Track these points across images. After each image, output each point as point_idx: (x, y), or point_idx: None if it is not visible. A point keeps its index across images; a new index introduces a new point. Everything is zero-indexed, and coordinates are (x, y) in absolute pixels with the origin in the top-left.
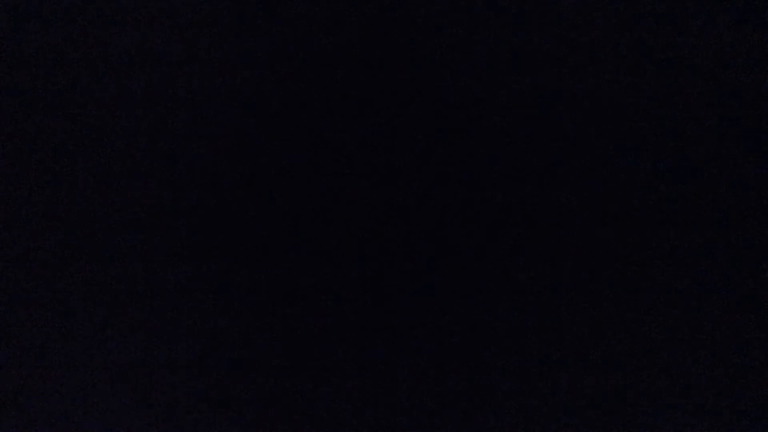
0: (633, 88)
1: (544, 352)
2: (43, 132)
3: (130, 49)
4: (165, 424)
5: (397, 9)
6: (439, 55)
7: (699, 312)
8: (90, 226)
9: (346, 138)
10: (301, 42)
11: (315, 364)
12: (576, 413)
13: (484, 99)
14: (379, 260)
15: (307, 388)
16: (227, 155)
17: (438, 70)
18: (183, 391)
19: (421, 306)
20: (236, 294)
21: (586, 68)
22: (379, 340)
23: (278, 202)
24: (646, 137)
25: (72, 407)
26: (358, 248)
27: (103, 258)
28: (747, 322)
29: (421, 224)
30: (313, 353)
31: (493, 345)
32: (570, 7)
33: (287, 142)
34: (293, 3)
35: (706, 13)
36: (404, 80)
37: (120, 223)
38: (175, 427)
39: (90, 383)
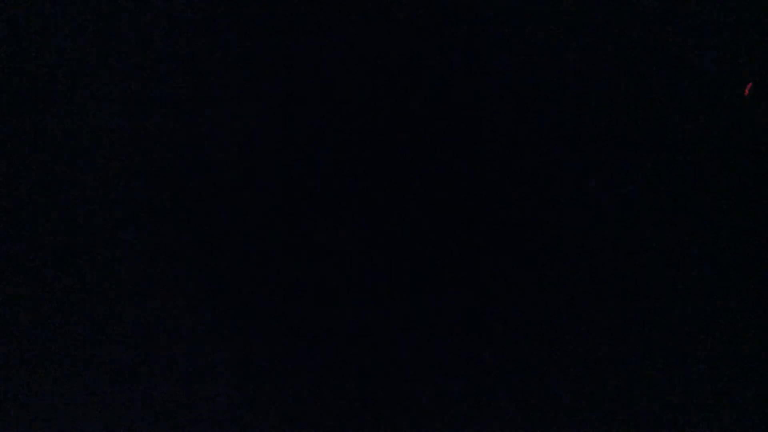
0: (633, 88)
1: (544, 352)
2: (43, 132)
3: (129, 49)
4: (165, 424)
5: (397, 9)
6: (439, 55)
7: (699, 312)
8: (90, 226)
9: (346, 138)
10: (301, 43)
11: (315, 364)
12: (576, 413)
13: (484, 99)
14: (379, 260)
15: (307, 388)
16: (227, 155)
17: (437, 70)
18: (183, 392)
19: (421, 306)
20: (236, 294)
21: (585, 68)
22: (379, 340)
23: (278, 203)
24: (646, 137)
25: (72, 407)
26: (359, 248)
27: (103, 258)
28: (747, 322)
29: (421, 224)
30: (313, 353)
31: (493, 345)
32: (570, 7)
33: (287, 142)
34: (294, 3)
35: (706, 13)
36: (404, 80)
37: (120, 223)
38: (175, 427)
39: (90, 383)
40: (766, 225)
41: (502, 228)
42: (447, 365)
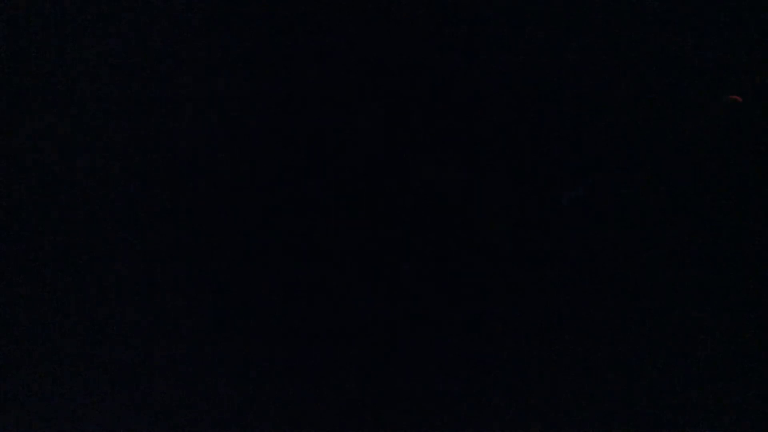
0: (633, 88)
1: (544, 352)
2: (43, 132)
3: (129, 49)
4: (165, 424)
5: (397, 9)
6: (439, 55)
7: (699, 312)
8: (90, 226)
9: (346, 138)
10: (301, 42)
11: (315, 364)
12: (576, 413)
13: (484, 99)
14: (379, 260)
15: (307, 388)
16: (227, 155)
17: (437, 69)
18: (183, 392)
19: (421, 306)
20: (236, 294)
21: (585, 68)
22: (379, 340)
23: (279, 202)
24: (646, 137)
25: (72, 407)
26: (359, 248)
27: (103, 258)
28: (747, 322)
29: (421, 224)
30: (313, 353)
31: (493, 345)
32: (570, 7)
33: (287, 142)
34: (294, 3)
35: (706, 13)
36: (405, 80)
37: (120, 223)
38: (175, 427)
39: (90, 383)
40: (766, 225)
41: (502, 228)
42: (447, 365)
